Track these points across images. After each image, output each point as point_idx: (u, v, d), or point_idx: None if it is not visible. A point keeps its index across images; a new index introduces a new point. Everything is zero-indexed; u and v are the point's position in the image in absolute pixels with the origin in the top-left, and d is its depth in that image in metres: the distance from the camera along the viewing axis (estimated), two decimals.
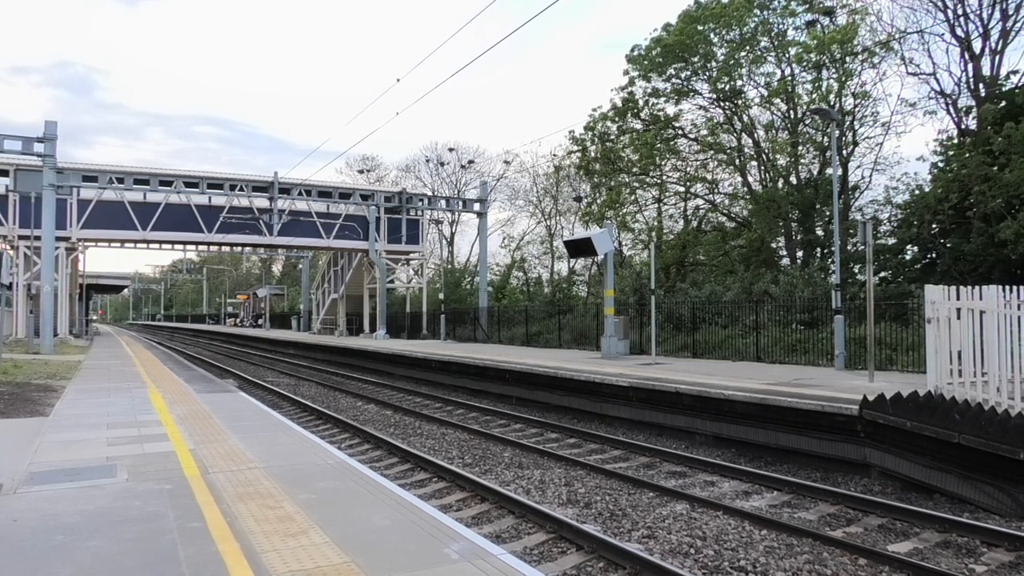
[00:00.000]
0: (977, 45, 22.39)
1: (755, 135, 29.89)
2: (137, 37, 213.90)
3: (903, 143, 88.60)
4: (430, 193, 47.62)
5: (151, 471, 6.49)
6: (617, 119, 32.99)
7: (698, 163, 32.93)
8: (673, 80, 30.92)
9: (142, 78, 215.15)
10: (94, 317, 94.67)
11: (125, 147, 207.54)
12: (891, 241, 23.54)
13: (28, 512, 5.19)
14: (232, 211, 34.49)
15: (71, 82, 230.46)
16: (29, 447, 7.64)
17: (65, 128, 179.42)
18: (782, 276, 23.74)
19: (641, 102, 32.09)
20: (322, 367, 27.60)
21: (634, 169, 33.56)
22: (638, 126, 32.77)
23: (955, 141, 22.17)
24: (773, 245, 29.14)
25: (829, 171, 24.40)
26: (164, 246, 38.70)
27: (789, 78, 27.95)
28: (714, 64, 29.37)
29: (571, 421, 13.79)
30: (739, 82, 29.27)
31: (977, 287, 8.81)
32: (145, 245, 36.75)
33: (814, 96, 27.05)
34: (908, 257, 23.30)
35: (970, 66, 22.59)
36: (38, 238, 27.08)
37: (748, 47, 28.38)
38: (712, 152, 31.27)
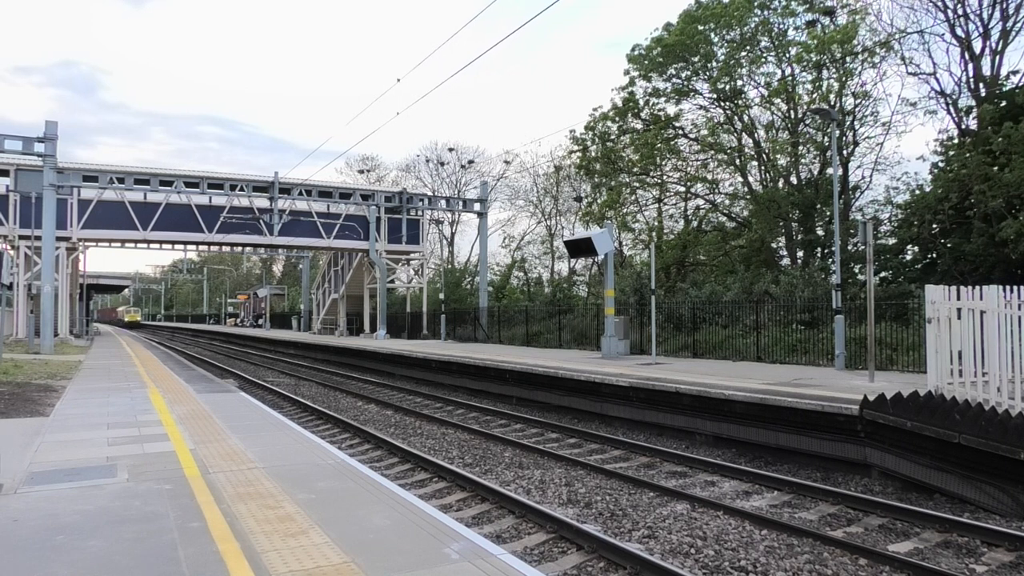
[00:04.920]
0: (977, 45, 22.42)
1: (755, 135, 29.89)
2: (141, 37, 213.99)
3: (903, 143, 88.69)
4: (430, 193, 47.63)
5: (151, 471, 6.48)
6: (618, 119, 32.99)
7: (698, 163, 32.95)
8: (673, 80, 30.93)
9: (145, 78, 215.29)
10: (132, 317, 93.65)
11: (127, 147, 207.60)
12: (891, 241, 23.53)
13: (28, 512, 5.19)
14: (232, 211, 34.51)
15: (74, 82, 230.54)
16: (29, 447, 7.64)
17: (67, 128, 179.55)
18: (782, 276, 23.74)
19: (641, 102, 32.10)
20: (322, 367, 27.60)
21: (634, 169, 33.56)
22: (638, 126, 32.78)
23: (955, 141, 22.15)
24: (773, 245, 29.13)
25: (829, 171, 24.39)
26: (164, 246, 38.73)
27: (789, 78, 27.95)
28: (714, 64, 29.37)
29: (571, 421, 13.78)
30: (739, 82, 29.27)
31: (977, 287, 8.80)
32: (145, 245, 36.78)
33: (814, 96, 27.05)
34: (908, 257, 23.29)
35: (970, 66, 22.60)
36: (38, 238, 27.08)
37: (748, 47, 28.38)
38: (712, 152, 31.27)
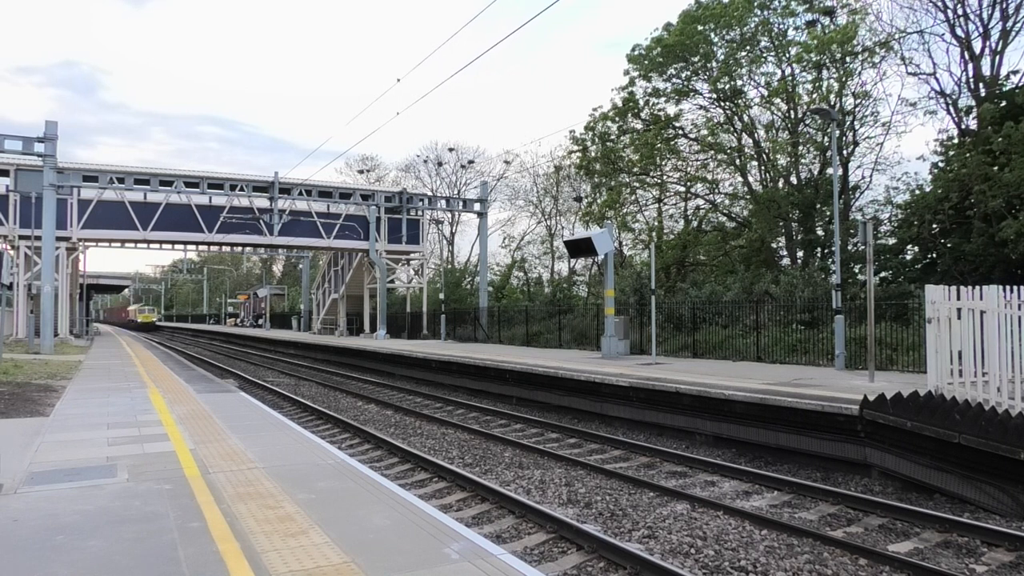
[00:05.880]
0: (977, 45, 22.42)
1: (755, 135, 29.89)
2: (141, 37, 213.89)
3: (903, 143, 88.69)
4: (430, 193, 47.64)
5: (151, 471, 6.48)
6: (617, 119, 32.99)
7: (698, 163, 32.95)
8: (673, 80, 30.93)
9: (145, 78, 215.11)
10: (146, 317, 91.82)
11: (127, 147, 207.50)
12: (891, 241, 23.53)
13: (28, 512, 5.19)
14: (232, 211, 34.52)
15: (74, 82, 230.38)
16: (29, 447, 7.64)
17: (67, 128, 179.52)
18: (782, 276, 23.73)
19: (641, 102, 32.10)
20: (322, 367, 27.59)
21: (634, 169, 33.56)
22: (638, 126, 32.78)
23: (955, 141, 22.16)
24: (773, 245, 29.13)
25: (829, 171, 24.39)
26: (164, 246, 38.74)
27: (789, 78, 27.95)
28: (714, 64, 29.37)
29: (571, 421, 13.78)
30: (739, 82, 29.27)
31: (977, 287, 8.80)
32: (145, 245, 36.78)
33: (814, 96, 27.05)
34: (908, 257, 23.30)
35: (970, 66, 22.60)
36: (38, 238, 27.08)
37: (748, 47, 28.38)
38: (712, 152, 31.27)
